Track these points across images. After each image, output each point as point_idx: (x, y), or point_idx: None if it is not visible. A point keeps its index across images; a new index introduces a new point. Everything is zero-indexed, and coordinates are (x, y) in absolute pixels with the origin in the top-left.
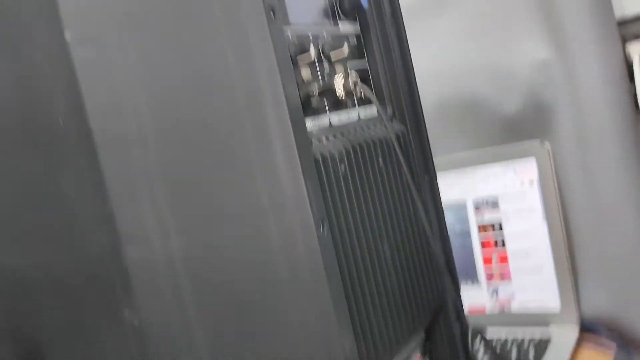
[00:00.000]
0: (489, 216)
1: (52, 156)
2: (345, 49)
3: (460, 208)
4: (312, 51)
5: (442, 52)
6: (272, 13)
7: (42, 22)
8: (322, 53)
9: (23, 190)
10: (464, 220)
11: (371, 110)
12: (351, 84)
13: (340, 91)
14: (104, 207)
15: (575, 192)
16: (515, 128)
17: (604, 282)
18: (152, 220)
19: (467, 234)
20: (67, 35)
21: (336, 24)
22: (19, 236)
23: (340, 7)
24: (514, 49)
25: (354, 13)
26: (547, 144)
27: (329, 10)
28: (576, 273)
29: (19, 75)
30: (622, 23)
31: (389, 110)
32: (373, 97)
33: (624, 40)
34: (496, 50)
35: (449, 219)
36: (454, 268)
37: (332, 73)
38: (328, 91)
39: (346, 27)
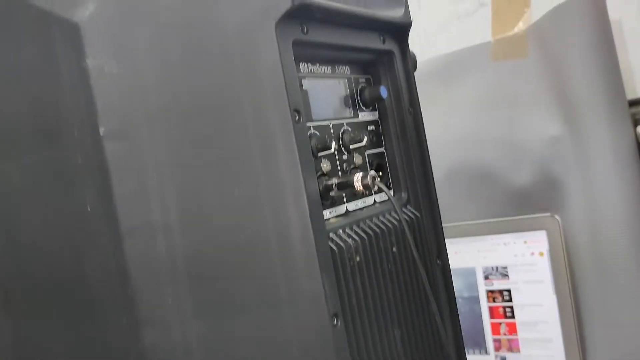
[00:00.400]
0: (498, 285)
1: (78, 239)
2: (364, 140)
3: (469, 274)
4: (333, 147)
5: (454, 121)
6: (297, 115)
7: (79, 119)
8: (342, 142)
9: (48, 268)
10: (473, 287)
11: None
12: (369, 181)
13: (358, 187)
14: (126, 291)
15: (585, 266)
16: (526, 200)
17: (612, 356)
18: (171, 307)
19: (475, 300)
20: (102, 130)
21: (356, 115)
22: (40, 310)
23: (360, 98)
24: (525, 123)
25: (374, 103)
26: (558, 218)
27: (350, 100)
28: (584, 346)
29: (51, 162)
30: (633, 104)
31: (404, 195)
32: (389, 194)
33: (635, 121)
34: (507, 123)
35: (457, 284)
36: (465, 358)
37: (351, 161)
38: (346, 184)
39: (365, 116)
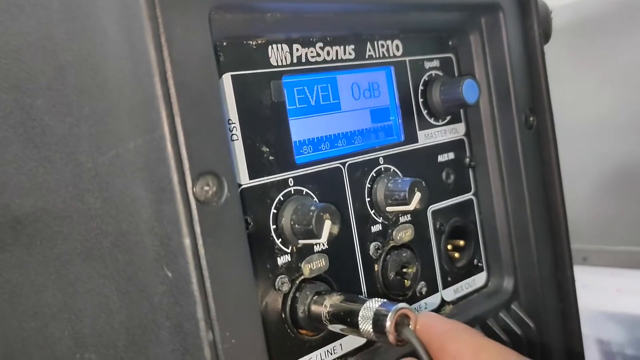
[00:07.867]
0: None
1: None
2: (414, 200)
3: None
4: (325, 233)
5: (635, 92)
6: (206, 187)
7: None
8: (371, 201)
9: None
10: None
11: None
12: (390, 329)
13: (368, 334)
14: None
15: None
16: None
17: None
18: None
19: None
20: None
21: (413, 137)
22: None
23: (425, 102)
24: None
25: (457, 110)
26: None
27: (399, 108)
28: None
29: None
30: None
31: (506, 284)
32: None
33: None
34: None
35: (619, 336)
36: None
37: (384, 245)
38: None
39: (435, 135)
